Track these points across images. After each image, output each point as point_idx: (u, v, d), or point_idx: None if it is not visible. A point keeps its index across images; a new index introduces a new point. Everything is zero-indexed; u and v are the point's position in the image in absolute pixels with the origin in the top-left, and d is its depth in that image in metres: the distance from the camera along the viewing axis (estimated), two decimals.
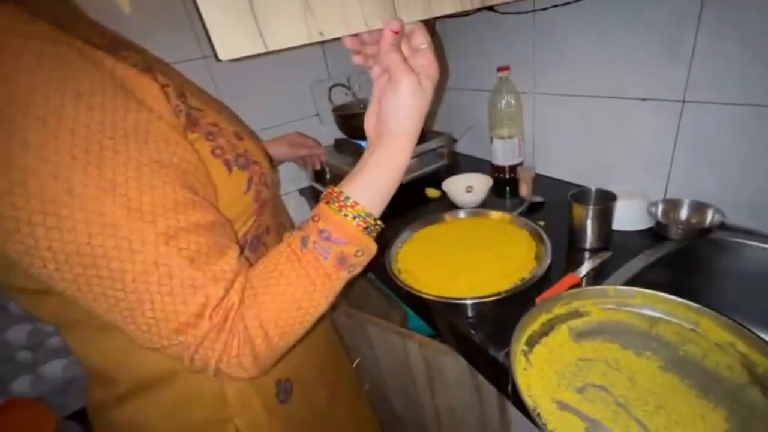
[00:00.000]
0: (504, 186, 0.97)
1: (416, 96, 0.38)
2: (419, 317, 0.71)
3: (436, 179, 0.99)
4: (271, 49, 0.30)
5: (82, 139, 0.28)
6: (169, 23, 0.88)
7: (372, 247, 0.40)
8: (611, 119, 0.79)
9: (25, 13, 0.30)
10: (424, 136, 1.04)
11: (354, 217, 0.38)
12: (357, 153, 1.00)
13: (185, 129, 0.37)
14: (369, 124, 0.43)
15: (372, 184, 0.40)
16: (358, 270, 0.40)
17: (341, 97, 1.10)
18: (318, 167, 0.97)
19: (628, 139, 0.78)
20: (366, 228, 0.39)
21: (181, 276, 0.32)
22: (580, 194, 0.70)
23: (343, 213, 0.38)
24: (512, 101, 0.92)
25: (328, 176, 0.98)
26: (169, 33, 0.89)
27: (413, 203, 0.97)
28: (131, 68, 0.33)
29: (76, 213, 0.28)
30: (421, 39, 0.39)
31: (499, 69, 0.89)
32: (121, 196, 0.29)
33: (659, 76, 0.68)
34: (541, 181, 0.93)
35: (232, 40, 0.29)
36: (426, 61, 0.40)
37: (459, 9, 0.38)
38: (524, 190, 0.89)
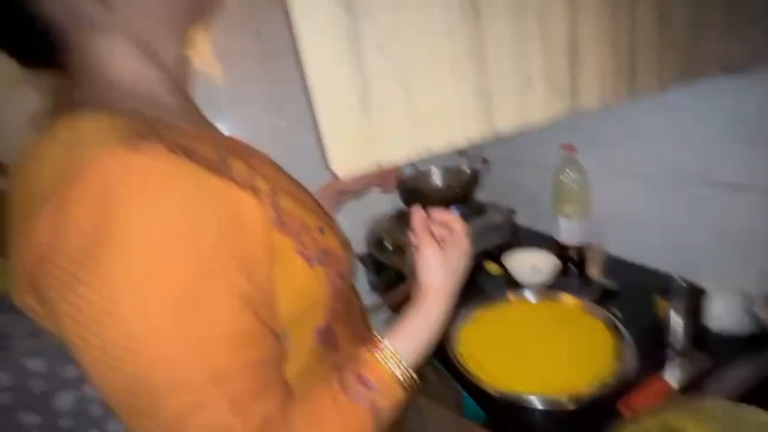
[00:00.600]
0: (570, 265, 0.93)
1: (439, 260, 0.48)
2: (479, 406, 0.66)
3: (496, 253, 0.97)
4: (381, 164, 0.33)
5: (177, 284, 0.29)
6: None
7: (401, 398, 0.43)
8: (692, 204, 0.75)
9: (152, 132, 0.32)
10: (484, 209, 1.05)
11: (395, 366, 0.42)
12: None
13: (273, 231, 0.38)
14: (411, 284, 0.50)
15: (410, 338, 0.45)
16: (386, 419, 0.41)
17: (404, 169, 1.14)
18: (396, 184, 0.91)
19: (712, 226, 0.73)
20: (401, 379, 0.42)
21: (219, 420, 0.31)
22: (665, 286, 0.65)
23: (383, 362, 0.42)
24: (578, 179, 0.91)
25: (391, 248, 1.00)
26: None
27: (473, 278, 0.95)
28: (235, 187, 0.34)
29: (153, 351, 0.29)
30: (458, 226, 0.52)
31: (564, 147, 0.89)
32: (190, 335, 0.30)
33: (746, 162, 0.65)
34: (611, 263, 0.88)
35: (346, 157, 0.31)
36: (458, 238, 0.51)
37: (551, 115, 0.39)
38: (594, 271, 0.85)
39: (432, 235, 0.50)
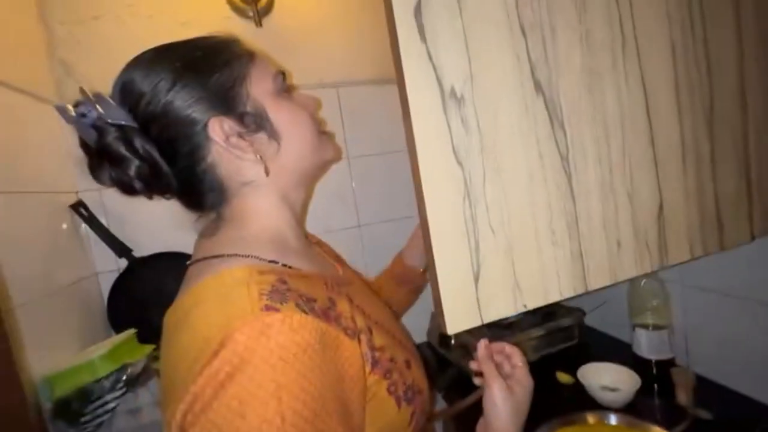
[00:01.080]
0: (651, 384, 0.86)
1: (507, 399, 0.49)
2: None
3: (566, 359, 0.93)
4: (485, 322, 0.36)
5: None
6: None
7: None
8: None
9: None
10: (552, 312, 1.02)
11: None
12: None
13: (370, 374, 0.41)
14: (480, 428, 0.52)
15: None
16: None
17: None
18: None
19: None
20: None
21: None
22: None
23: None
24: (656, 289, 0.87)
25: (452, 342, 0.99)
26: None
27: (542, 387, 0.90)
28: (345, 337, 0.38)
29: None
30: (518, 359, 0.54)
31: None
32: None
33: None
34: (701, 387, 0.80)
35: (458, 318, 0.35)
36: (520, 374, 0.53)
37: (640, 272, 0.41)
38: (683, 397, 0.78)
39: (497, 366, 0.53)
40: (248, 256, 0.43)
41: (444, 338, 1.04)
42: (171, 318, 0.41)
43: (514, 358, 0.55)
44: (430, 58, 0.33)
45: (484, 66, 0.34)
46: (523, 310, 0.38)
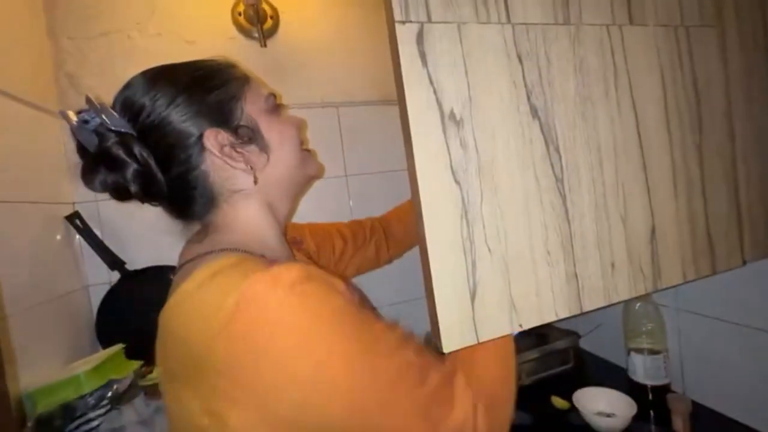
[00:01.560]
0: (647, 410, 0.85)
1: None
2: None
3: (562, 383, 0.92)
4: (480, 340, 0.36)
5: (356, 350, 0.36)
6: None
7: None
8: None
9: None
10: (547, 334, 1.02)
11: None
12: None
13: None
14: None
15: None
16: None
17: None
18: None
19: None
20: None
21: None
22: None
23: None
24: (651, 313, 0.88)
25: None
26: None
27: (538, 412, 0.89)
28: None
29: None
30: None
31: None
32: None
33: None
34: (698, 413, 0.80)
35: (454, 336, 0.35)
36: None
37: (634, 294, 0.42)
38: (679, 424, 0.77)
39: None
40: (237, 249, 0.45)
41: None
42: (167, 313, 0.42)
43: None
44: (431, 82, 0.34)
45: (482, 90, 0.36)
46: (519, 329, 0.38)
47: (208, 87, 0.48)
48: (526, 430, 0.80)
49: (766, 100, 0.48)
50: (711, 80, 0.44)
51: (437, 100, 0.34)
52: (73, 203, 0.92)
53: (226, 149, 0.47)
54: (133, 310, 0.95)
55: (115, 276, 0.94)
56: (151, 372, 0.81)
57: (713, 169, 0.44)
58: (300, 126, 0.56)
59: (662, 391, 0.85)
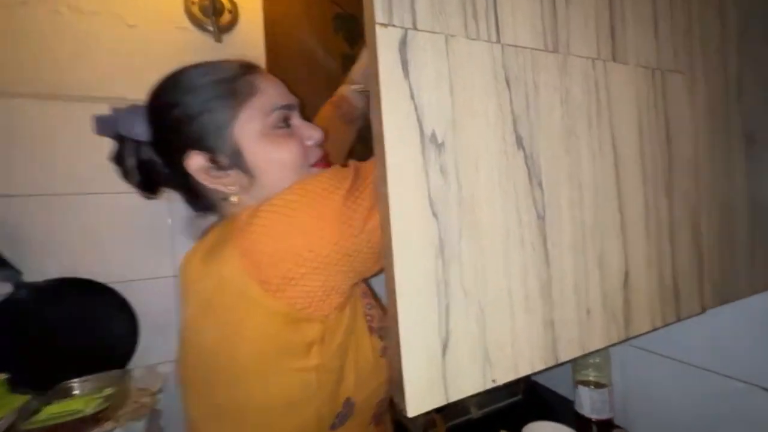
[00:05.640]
0: None
1: None
2: None
3: (511, 416, 0.90)
4: (450, 400, 0.31)
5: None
6: None
7: None
8: (729, 401, 0.72)
9: None
10: None
11: None
12: None
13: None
14: None
15: None
16: None
17: None
18: None
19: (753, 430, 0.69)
20: None
21: None
22: None
23: None
24: None
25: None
26: None
27: None
28: None
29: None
30: None
31: None
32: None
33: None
34: None
35: (421, 397, 0.30)
36: None
37: (607, 343, 0.39)
38: None
39: None
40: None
41: None
42: (197, 254, 0.50)
43: None
44: (413, 96, 0.30)
45: (467, 112, 0.32)
46: (492, 385, 0.34)
47: (203, 104, 0.50)
48: None
49: (728, 150, 0.49)
50: (680, 126, 0.44)
51: (418, 118, 0.30)
52: None
53: (202, 174, 0.51)
54: (27, 331, 0.79)
55: (7, 288, 0.78)
56: (38, 411, 0.66)
57: (680, 213, 0.44)
58: (315, 139, 0.55)
59: (606, 425, 0.86)
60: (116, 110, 0.55)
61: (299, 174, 0.53)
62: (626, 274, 0.41)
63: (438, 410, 0.83)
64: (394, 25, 0.28)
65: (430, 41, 0.30)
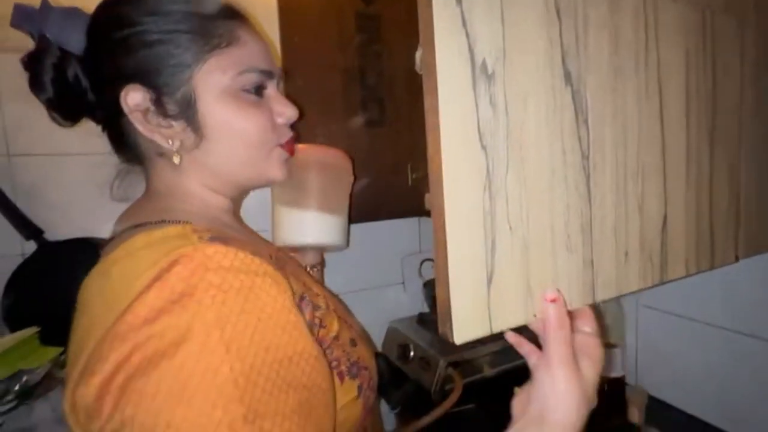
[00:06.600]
0: (602, 401, 0.87)
1: (574, 388, 0.34)
2: None
3: (525, 376, 0.93)
4: (494, 331, 0.32)
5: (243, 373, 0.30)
6: None
7: None
8: (740, 358, 0.74)
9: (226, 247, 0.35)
10: None
11: None
12: None
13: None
14: (519, 403, 0.39)
15: None
16: None
17: (429, 271, 1.14)
18: None
19: (759, 382, 0.71)
20: None
21: None
22: None
23: None
24: (613, 308, 0.90)
25: (412, 354, 0.95)
26: None
27: (501, 403, 0.89)
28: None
29: None
30: (589, 323, 0.39)
31: None
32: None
33: None
34: (652, 406, 0.83)
35: (467, 325, 0.31)
36: (590, 345, 0.38)
37: (642, 286, 0.40)
38: (635, 415, 0.80)
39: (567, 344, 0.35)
40: (179, 222, 0.40)
41: (403, 350, 0.99)
42: (88, 283, 0.38)
43: (583, 323, 0.39)
44: (464, 24, 0.29)
45: (518, 43, 0.31)
46: (533, 321, 0.35)
47: (159, 35, 0.41)
48: (490, 419, 0.79)
49: None
50: (728, 71, 0.43)
51: (469, 46, 0.29)
52: None
53: (139, 116, 0.42)
54: (51, 287, 0.81)
55: (30, 247, 0.79)
56: None
57: (721, 160, 0.44)
58: (286, 116, 0.48)
59: (617, 383, 0.89)
60: (47, 4, 0.43)
61: (260, 152, 0.46)
62: (665, 219, 0.41)
63: (454, 366, 0.86)
64: None
65: None
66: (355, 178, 0.80)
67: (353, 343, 0.46)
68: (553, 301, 0.34)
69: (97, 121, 0.47)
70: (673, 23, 0.39)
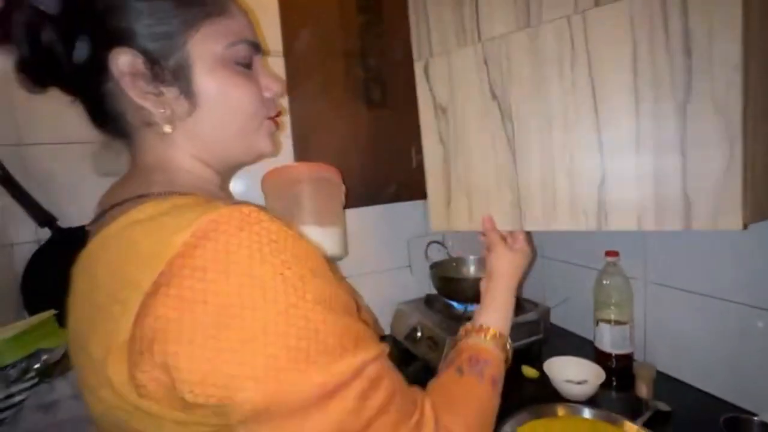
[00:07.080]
0: (611, 377, 0.88)
1: (506, 254, 0.66)
2: None
3: (532, 354, 0.93)
4: (451, 229, 0.63)
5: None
6: None
7: (503, 359, 0.57)
8: (748, 331, 0.73)
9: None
10: (518, 303, 1.03)
11: (494, 341, 0.58)
12: (449, 314, 1.00)
13: None
14: (483, 285, 0.68)
15: (498, 311, 0.62)
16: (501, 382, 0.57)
17: (435, 253, 1.14)
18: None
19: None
20: (500, 347, 0.59)
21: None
22: (736, 424, 0.61)
23: (484, 342, 0.57)
24: (621, 286, 0.90)
25: (419, 335, 0.96)
26: None
27: (508, 381, 0.90)
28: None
29: None
30: (520, 237, 0.70)
31: (608, 254, 0.90)
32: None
33: None
34: (659, 381, 0.84)
35: (438, 224, 0.63)
36: (521, 243, 0.69)
37: (573, 228, 0.62)
38: (643, 390, 0.83)
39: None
40: (184, 193, 0.41)
41: (412, 331, 1.00)
42: (85, 260, 0.39)
43: (517, 236, 0.70)
44: (431, 90, 0.69)
45: (459, 88, 0.64)
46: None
47: None
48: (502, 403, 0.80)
49: None
50: (715, 29, 0.44)
51: (433, 99, 0.69)
52: None
53: (130, 80, 0.40)
54: (67, 273, 0.83)
55: (45, 234, 0.83)
56: None
57: (703, 125, 0.52)
58: (274, 90, 0.49)
59: (625, 359, 0.89)
60: None
61: (252, 123, 0.47)
62: (602, 181, 0.59)
63: None
64: (420, 59, 0.74)
65: (439, 60, 0.67)
66: (355, 174, 0.84)
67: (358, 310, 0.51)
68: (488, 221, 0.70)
69: (72, 90, 0.44)
70: (608, 23, 0.53)
